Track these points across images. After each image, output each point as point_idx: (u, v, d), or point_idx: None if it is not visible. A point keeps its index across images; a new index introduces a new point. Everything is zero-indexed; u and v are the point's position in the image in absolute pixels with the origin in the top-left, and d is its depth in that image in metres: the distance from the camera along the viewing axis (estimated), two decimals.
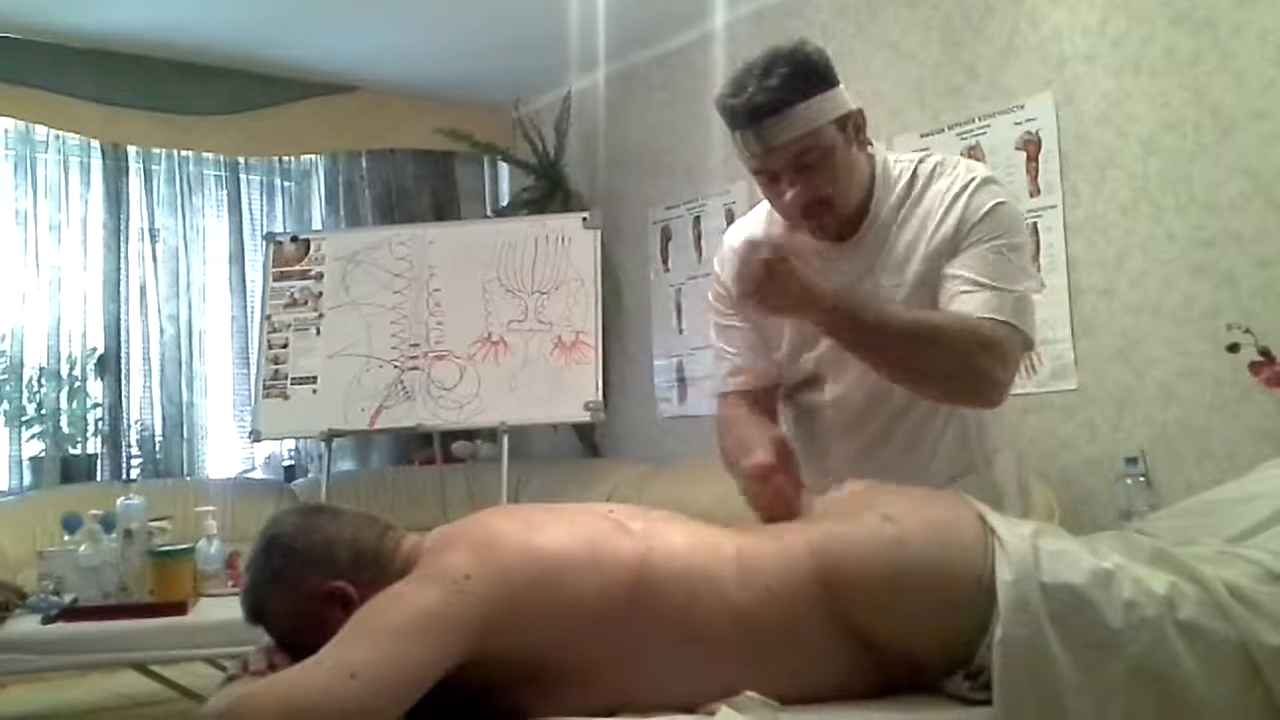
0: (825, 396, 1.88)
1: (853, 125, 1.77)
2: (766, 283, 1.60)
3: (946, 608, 1.38)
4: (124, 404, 4.44)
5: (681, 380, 4.54)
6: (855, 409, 1.84)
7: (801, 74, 1.70)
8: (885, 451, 1.82)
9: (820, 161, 1.72)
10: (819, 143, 1.70)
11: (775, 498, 1.60)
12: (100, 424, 4.40)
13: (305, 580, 1.39)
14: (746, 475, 1.63)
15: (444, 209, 5.30)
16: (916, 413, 1.81)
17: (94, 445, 4.40)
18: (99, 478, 4.31)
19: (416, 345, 4.00)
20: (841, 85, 1.76)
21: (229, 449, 4.74)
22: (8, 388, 4.20)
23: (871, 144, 1.84)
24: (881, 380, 1.76)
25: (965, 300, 1.69)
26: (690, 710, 1.34)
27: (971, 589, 1.37)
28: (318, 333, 4.06)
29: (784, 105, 1.67)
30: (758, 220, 1.96)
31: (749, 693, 1.32)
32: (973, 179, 1.79)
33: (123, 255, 4.48)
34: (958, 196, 1.77)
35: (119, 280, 4.45)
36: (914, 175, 1.83)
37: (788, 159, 1.71)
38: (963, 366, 1.66)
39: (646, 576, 1.37)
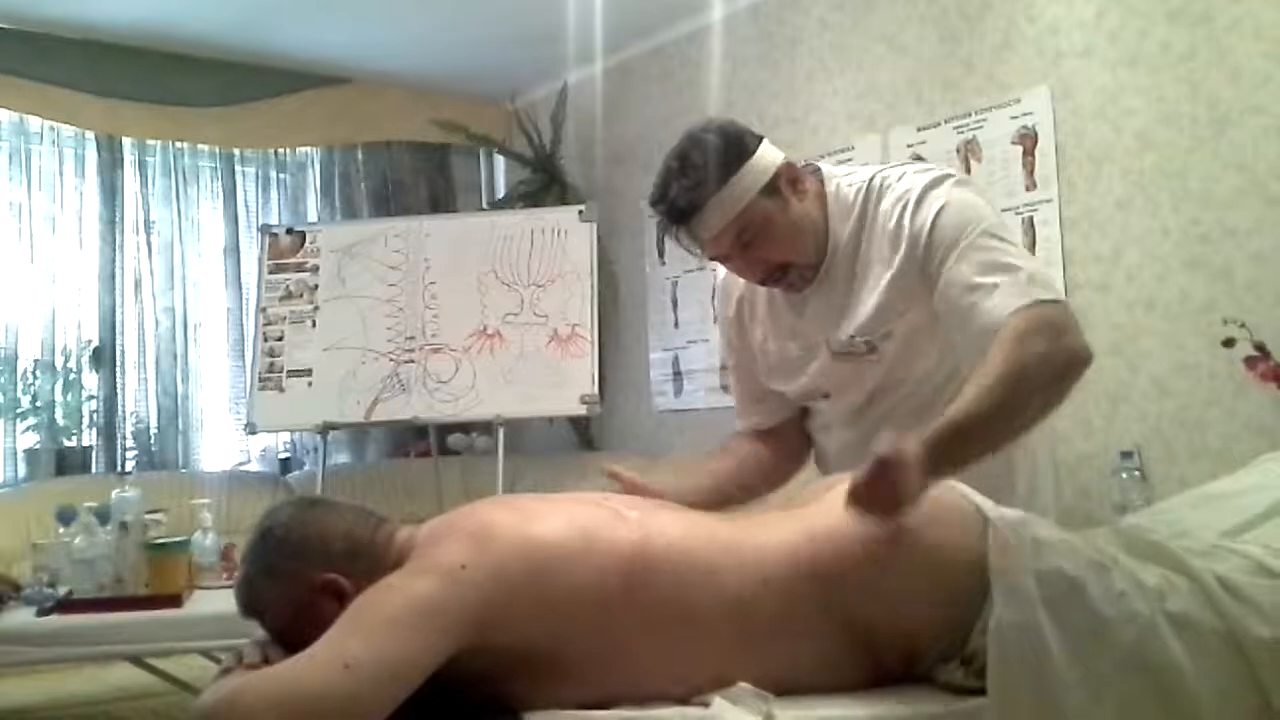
0: (826, 403, 1.91)
1: (786, 182, 1.75)
2: (892, 497, 1.39)
3: (942, 596, 1.38)
4: (119, 396, 4.44)
5: (677, 374, 4.54)
6: (856, 406, 1.86)
7: (718, 158, 1.70)
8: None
9: (761, 234, 1.72)
10: (753, 218, 1.71)
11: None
12: (95, 416, 4.39)
13: (300, 573, 1.38)
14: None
15: (440, 202, 5.29)
16: (916, 400, 1.80)
17: (89, 437, 4.39)
18: (94, 470, 4.30)
19: (412, 338, 3.99)
20: (761, 149, 1.73)
21: (224, 441, 4.73)
22: (2, 379, 4.19)
23: (820, 172, 1.81)
24: (882, 383, 1.78)
25: (986, 310, 1.61)
26: (684, 701, 1.34)
27: (966, 577, 1.37)
28: (313, 325, 4.05)
29: (704, 199, 1.68)
30: None
31: (742, 684, 1.32)
32: (908, 192, 1.73)
33: (118, 247, 4.46)
34: (901, 217, 1.73)
35: (114, 272, 4.44)
36: (866, 195, 1.79)
37: (728, 243, 1.73)
38: (1049, 380, 1.58)
39: (643, 564, 1.37)
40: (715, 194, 1.68)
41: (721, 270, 1.97)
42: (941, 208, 1.70)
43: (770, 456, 1.98)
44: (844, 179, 1.83)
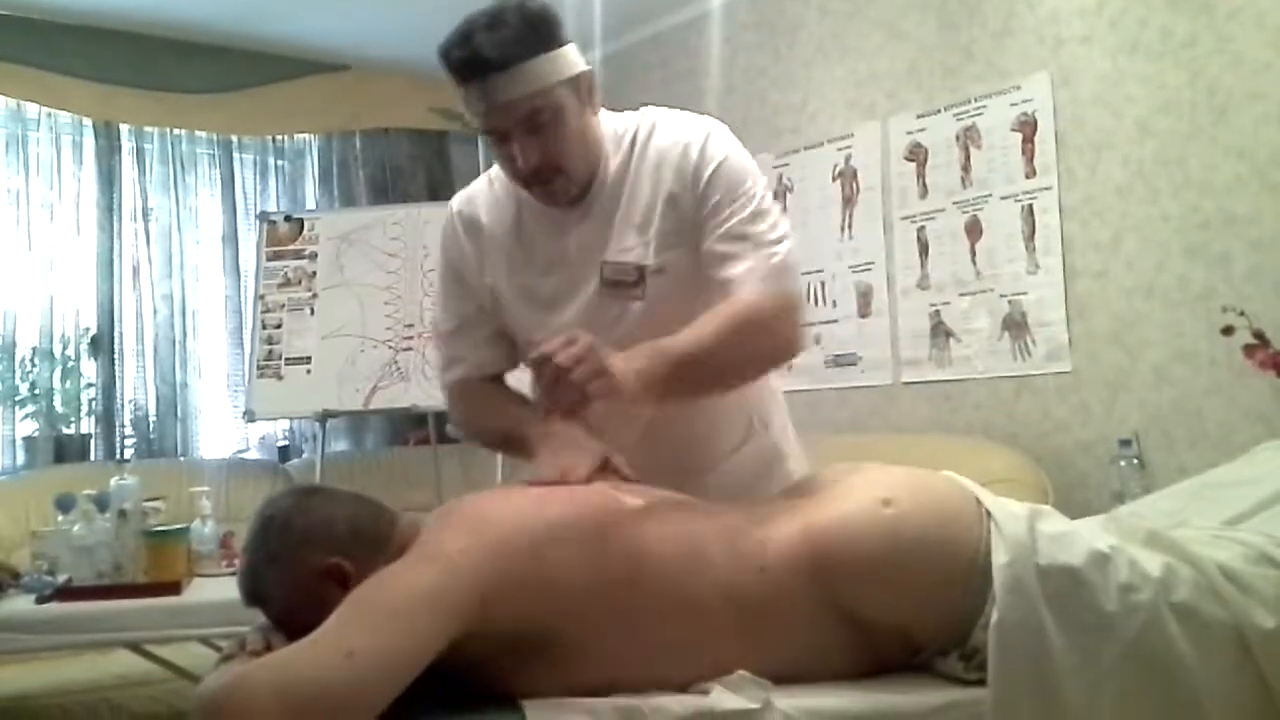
0: None
1: (585, 87, 1.68)
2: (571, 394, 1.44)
3: (941, 589, 1.38)
4: (117, 384, 4.44)
5: None
6: None
7: (532, 29, 1.60)
8: (666, 432, 1.70)
9: (551, 123, 1.62)
10: (550, 103, 1.61)
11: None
12: (94, 404, 4.40)
13: (303, 559, 1.38)
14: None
15: (438, 189, 5.27)
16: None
17: (88, 425, 4.39)
18: (93, 458, 4.31)
19: (411, 325, 3.99)
20: (573, 45, 1.66)
21: (223, 429, 4.73)
22: (0, 367, 4.19)
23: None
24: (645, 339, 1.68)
25: (735, 280, 1.62)
26: (683, 689, 1.34)
27: (966, 570, 1.37)
28: (312, 313, 4.05)
29: (513, 60, 1.57)
30: (480, 187, 1.87)
31: (741, 672, 1.32)
32: (689, 133, 1.72)
33: (116, 234, 4.46)
34: (686, 152, 1.70)
35: (112, 259, 4.44)
36: (635, 133, 1.76)
37: (517, 118, 1.61)
38: (769, 356, 1.67)
39: (641, 552, 1.37)
40: (529, 59, 1.58)
41: (452, 218, 1.87)
42: (725, 158, 1.69)
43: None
44: (613, 116, 1.80)
